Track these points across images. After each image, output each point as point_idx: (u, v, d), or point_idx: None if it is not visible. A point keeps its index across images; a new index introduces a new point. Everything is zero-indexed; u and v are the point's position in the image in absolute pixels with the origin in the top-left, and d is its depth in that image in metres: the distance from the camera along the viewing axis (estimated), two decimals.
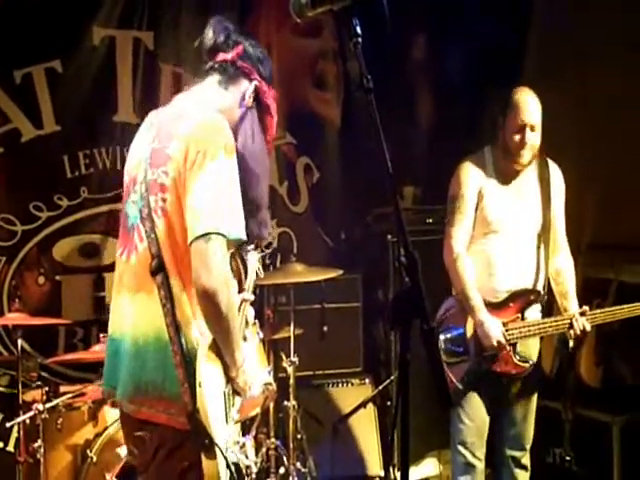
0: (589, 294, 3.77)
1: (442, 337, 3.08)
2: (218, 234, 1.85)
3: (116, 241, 4.22)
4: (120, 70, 4.25)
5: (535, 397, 3.21)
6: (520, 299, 3.09)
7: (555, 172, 3.20)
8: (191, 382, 1.86)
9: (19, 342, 3.33)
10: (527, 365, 3.07)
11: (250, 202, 2.02)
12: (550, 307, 3.20)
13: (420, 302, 1.49)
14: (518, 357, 3.05)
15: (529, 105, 3.05)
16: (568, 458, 3.76)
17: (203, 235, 1.84)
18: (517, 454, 3.20)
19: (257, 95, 2.11)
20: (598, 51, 4.12)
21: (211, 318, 1.88)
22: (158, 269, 1.91)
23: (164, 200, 1.93)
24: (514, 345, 3.04)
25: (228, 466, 1.92)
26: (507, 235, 3.10)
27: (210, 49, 2.11)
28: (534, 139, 3.06)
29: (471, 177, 3.12)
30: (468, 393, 3.08)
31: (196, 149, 1.90)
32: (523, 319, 3.07)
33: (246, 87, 2.10)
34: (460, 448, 3.13)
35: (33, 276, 4.10)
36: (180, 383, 1.87)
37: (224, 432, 1.95)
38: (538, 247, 3.14)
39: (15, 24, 3.97)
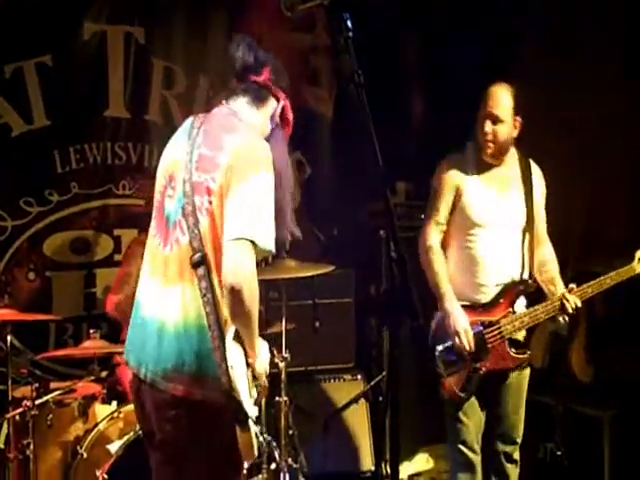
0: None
1: (438, 348, 3.07)
2: (250, 241, 2.05)
3: (106, 236, 4.31)
4: (111, 65, 4.23)
5: (525, 390, 3.22)
6: (510, 293, 3.11)
7: (536, 171, 3.24)
8: (227, 364, 2.07)
9: (9, 338, 3.30)
10: (525, 355, 3.11)
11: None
12: (534, 301, 3.20)
13: (408, 298, 1.49)
14: (514, 350, 3.08)
15: (496, 97, 3.06)
16: (559, 453, 3.78)
17: (237, 239, 2.05)
18: (508, 449, 3.21)
19: (282, 110, 2.33)
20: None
21: (236, 312, 2.08)
22: (200, 262, 2.09)
23: (210, 202, 2.12)
24: (509, 339, 3.07)
25: (257, 436, 2.15)
26: (491, 230, 3.12)
27: (240, 70, 2.29)
28: (499, 131, 3.06)
29: (449, 175, 3.15)
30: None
31: (242, 161, 2.11)
32: (514, 313, 3.09)
33: (275, 106, 2.32)
34: (461, 447, 3.15)
35: (23, 272, 4.08)
36: (217, 365, 2.07)
37: (252, 409, 2.16)
38: (522, 240, 3.17)
39: (6, 19, 3.95)
